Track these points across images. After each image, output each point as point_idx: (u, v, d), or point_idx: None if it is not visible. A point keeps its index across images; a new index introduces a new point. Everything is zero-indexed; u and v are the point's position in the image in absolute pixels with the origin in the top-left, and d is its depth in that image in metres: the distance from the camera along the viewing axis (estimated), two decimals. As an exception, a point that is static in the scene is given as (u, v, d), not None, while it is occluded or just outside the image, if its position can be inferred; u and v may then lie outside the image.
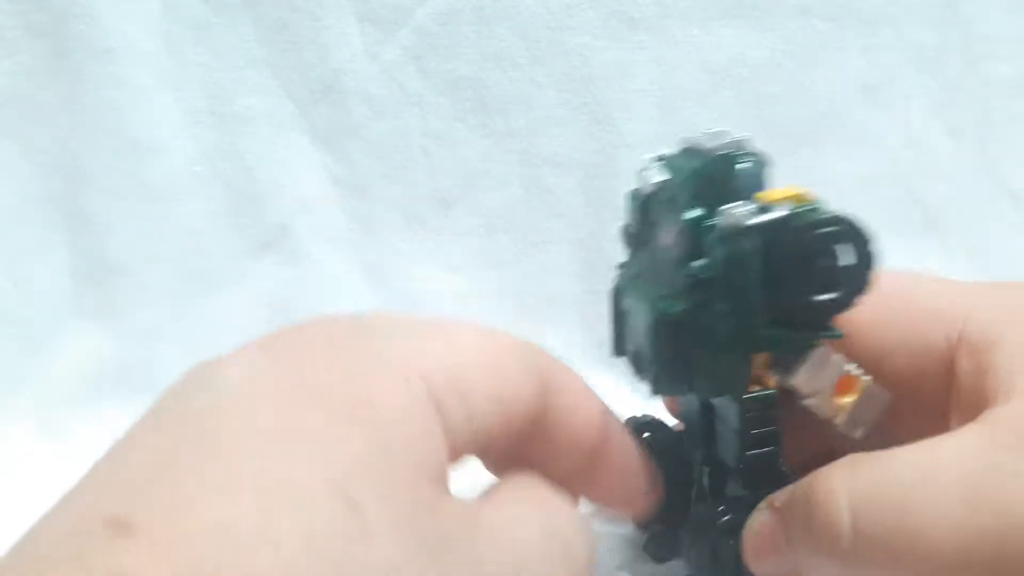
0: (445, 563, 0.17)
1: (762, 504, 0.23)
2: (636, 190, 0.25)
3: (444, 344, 0.20)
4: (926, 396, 0.24)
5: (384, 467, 0.17)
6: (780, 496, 0.23)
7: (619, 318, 0.26)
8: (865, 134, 0.47)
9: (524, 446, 0.22)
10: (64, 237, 0.44)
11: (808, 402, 0.23)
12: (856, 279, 0.22)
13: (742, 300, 0.22)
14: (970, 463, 0.20)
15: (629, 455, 0.24)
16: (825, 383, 0.23)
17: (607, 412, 0.23)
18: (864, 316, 0.23)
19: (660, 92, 0.45)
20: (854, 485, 0.21)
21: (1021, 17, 0.47)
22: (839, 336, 0.23)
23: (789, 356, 0.23)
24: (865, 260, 0.21)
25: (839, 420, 0.23)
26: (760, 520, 0.23)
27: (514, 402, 0.20)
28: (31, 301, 0.44)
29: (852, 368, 0.23)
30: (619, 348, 0.26)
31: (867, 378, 0.23)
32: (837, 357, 0.23)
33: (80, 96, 0.43)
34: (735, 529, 0.24)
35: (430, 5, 0.44)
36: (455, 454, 0.19)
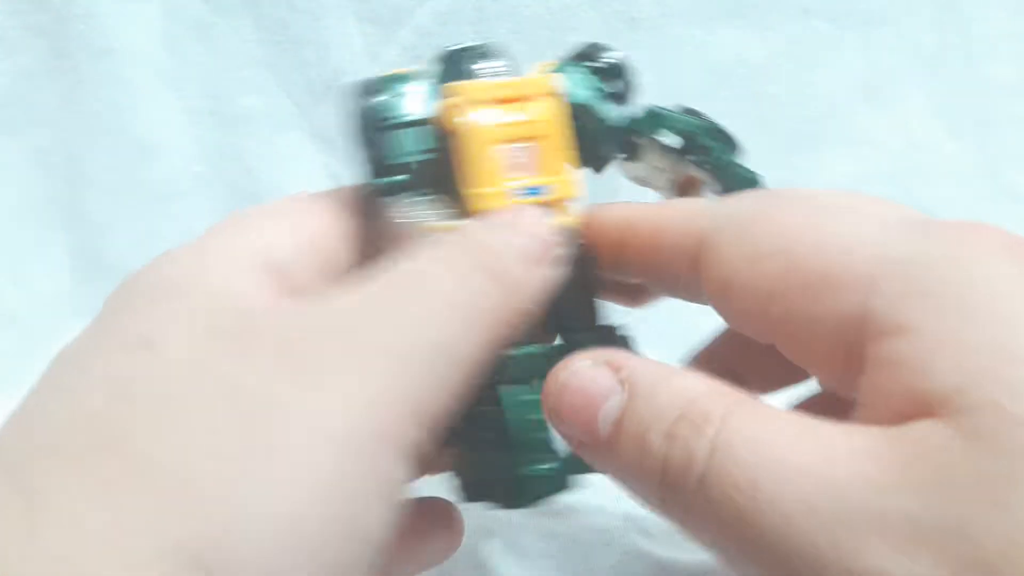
0: None
1: (593, 357, 0.20)
2: None
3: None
4: (822, 370, 0.20)
5: None
6: (633, 371, 0.19)
7: None
8: (865, 134, 0.47)
9: None
10: (64, 237, 0.44)
11: None
12: None
13: None
14: (869, 489, 0.16)
15: None
16: None
17: None
18: (757, 273, 0.20)
19: (660, 92, 0.45)
20: (733, 428, 0.17)
21: (1021, 17, 0.47)
22: None
23: None
24: None
25: None
26: (587, 374, 0.19)
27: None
28: (31, 301, 0.44)
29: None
30: None
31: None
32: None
33: (80, 96, 0.43)
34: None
35: (430, 5, 0.44)
36: None
